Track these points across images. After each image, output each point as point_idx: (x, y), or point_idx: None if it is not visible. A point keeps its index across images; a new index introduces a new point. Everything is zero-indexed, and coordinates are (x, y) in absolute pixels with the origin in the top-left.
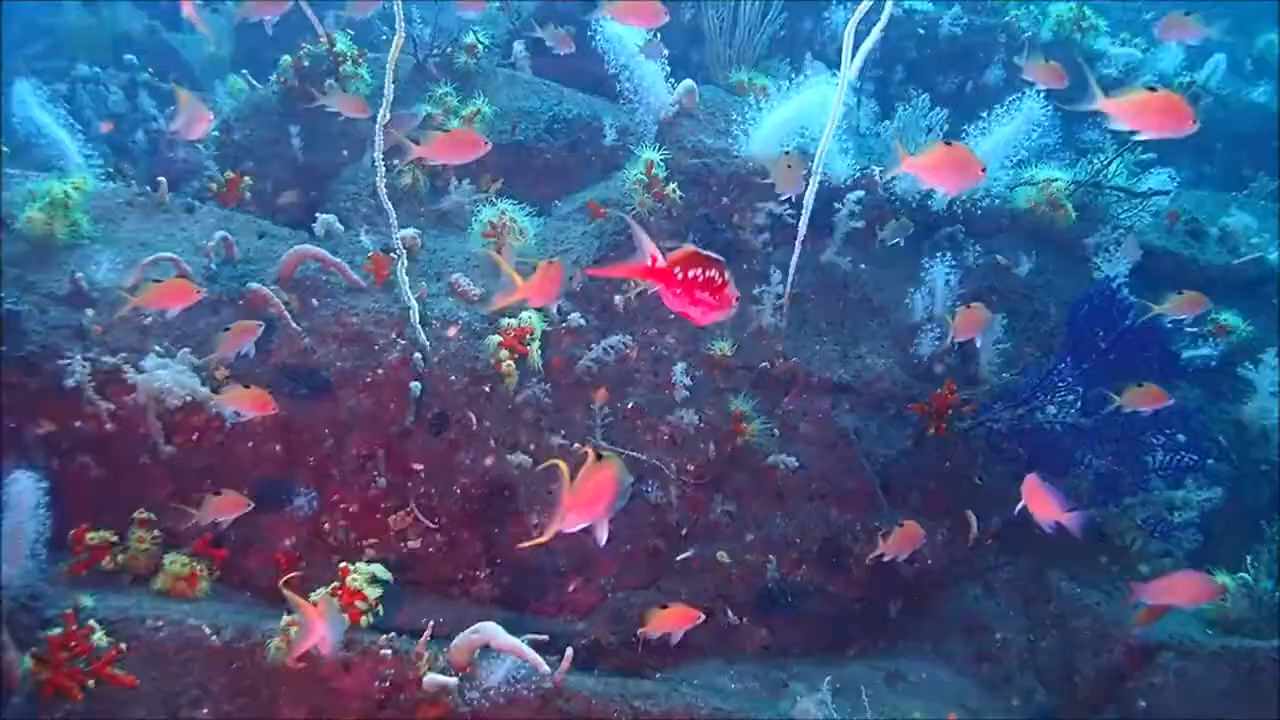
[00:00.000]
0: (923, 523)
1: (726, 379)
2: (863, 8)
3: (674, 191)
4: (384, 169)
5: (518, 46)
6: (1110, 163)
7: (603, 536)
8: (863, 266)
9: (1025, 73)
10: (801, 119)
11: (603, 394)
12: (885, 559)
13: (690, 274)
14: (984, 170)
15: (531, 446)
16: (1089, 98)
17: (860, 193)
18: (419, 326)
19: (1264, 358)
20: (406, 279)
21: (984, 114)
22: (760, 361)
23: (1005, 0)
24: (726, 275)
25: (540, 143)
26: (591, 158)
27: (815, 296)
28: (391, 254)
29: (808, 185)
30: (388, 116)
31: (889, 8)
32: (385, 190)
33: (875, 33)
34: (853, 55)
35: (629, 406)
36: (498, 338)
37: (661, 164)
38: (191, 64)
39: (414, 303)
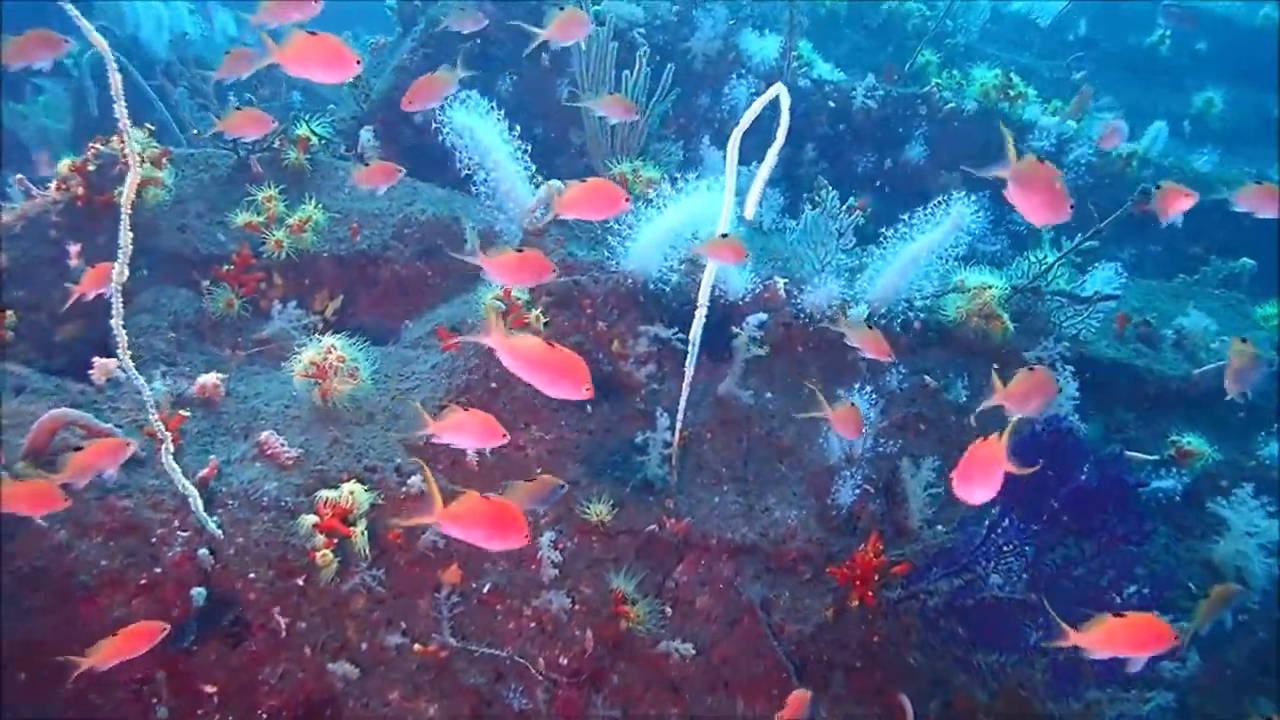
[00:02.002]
0: (849, 710)
1: (606, 548)
2: (752, 112)
3: (538, 319)
4: (125, 337)
5: (365, 135)
6: (1052, 267)
7: None
8: (768, 395)
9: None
10: (688, 227)
11: (453, 573)
12: None
13: None
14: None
15: (362, 648)
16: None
17: (762, 316)
18: (204, 515)
19: (1238, 492)
20: (178, 468)
21: (904, 215)
22: (647, 523)
23: (924, 67)
24: None
25: (388, 251)
26: (450, 266)
27: (712, 436)
28: (180, 413)
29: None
30: (125, 274)
31: (785, 115)
32: (133, 365)
33: (772, 155)
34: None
35: (485, 589)
36: (313, 518)
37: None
38: (28, 143)
39: (192, 491)
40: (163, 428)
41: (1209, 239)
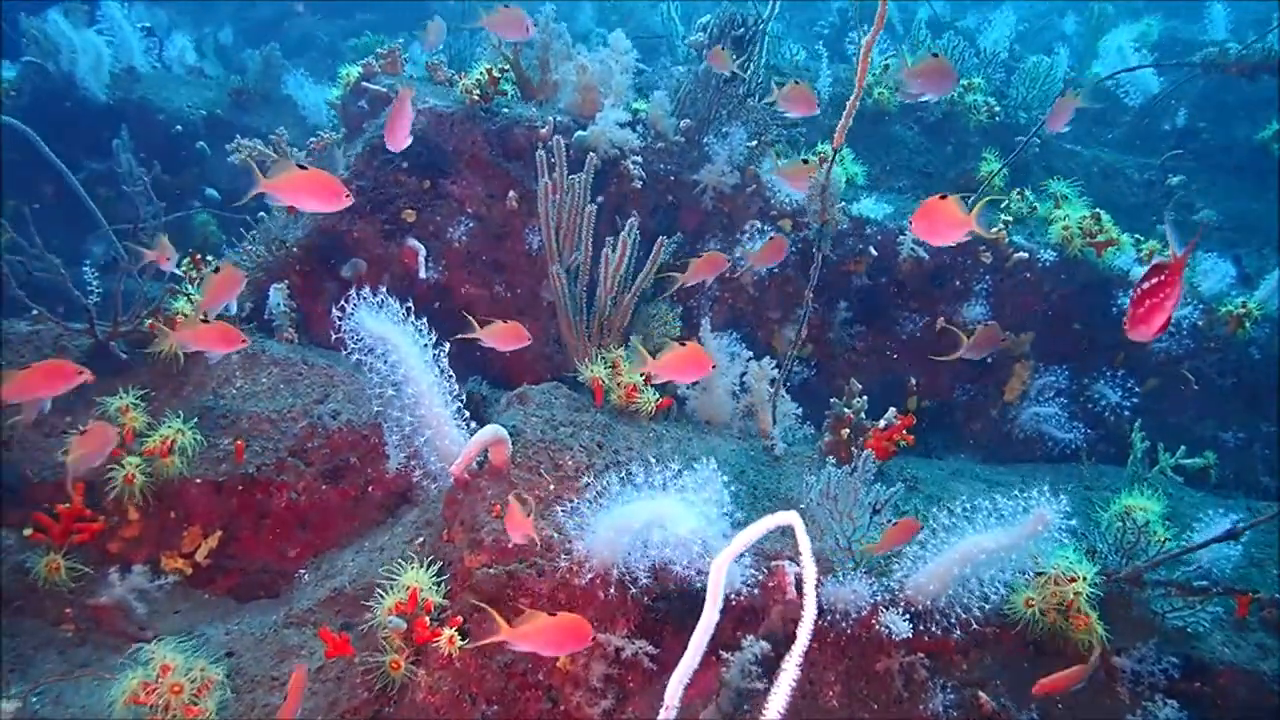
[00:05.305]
0: None
1: None
2: (750, 536)
3: (453, 643)
4: None
5: (276, 295)
6: (1162, 562)
7: None
8: None
9: None
10: (665, 518)
11: None
12: None
13: None
14: None
15: None
16: None
17: (764, 645)
18: None
19: None
20: None
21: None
22: None
23: (993, 195)
24: None
25: (283, 474)
26: (368, 490)
27: None
28: None
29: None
30: None
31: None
32: None
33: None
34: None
35: None
36: None
37: (435, 586)
38: None
39: None
40: None
41: None
